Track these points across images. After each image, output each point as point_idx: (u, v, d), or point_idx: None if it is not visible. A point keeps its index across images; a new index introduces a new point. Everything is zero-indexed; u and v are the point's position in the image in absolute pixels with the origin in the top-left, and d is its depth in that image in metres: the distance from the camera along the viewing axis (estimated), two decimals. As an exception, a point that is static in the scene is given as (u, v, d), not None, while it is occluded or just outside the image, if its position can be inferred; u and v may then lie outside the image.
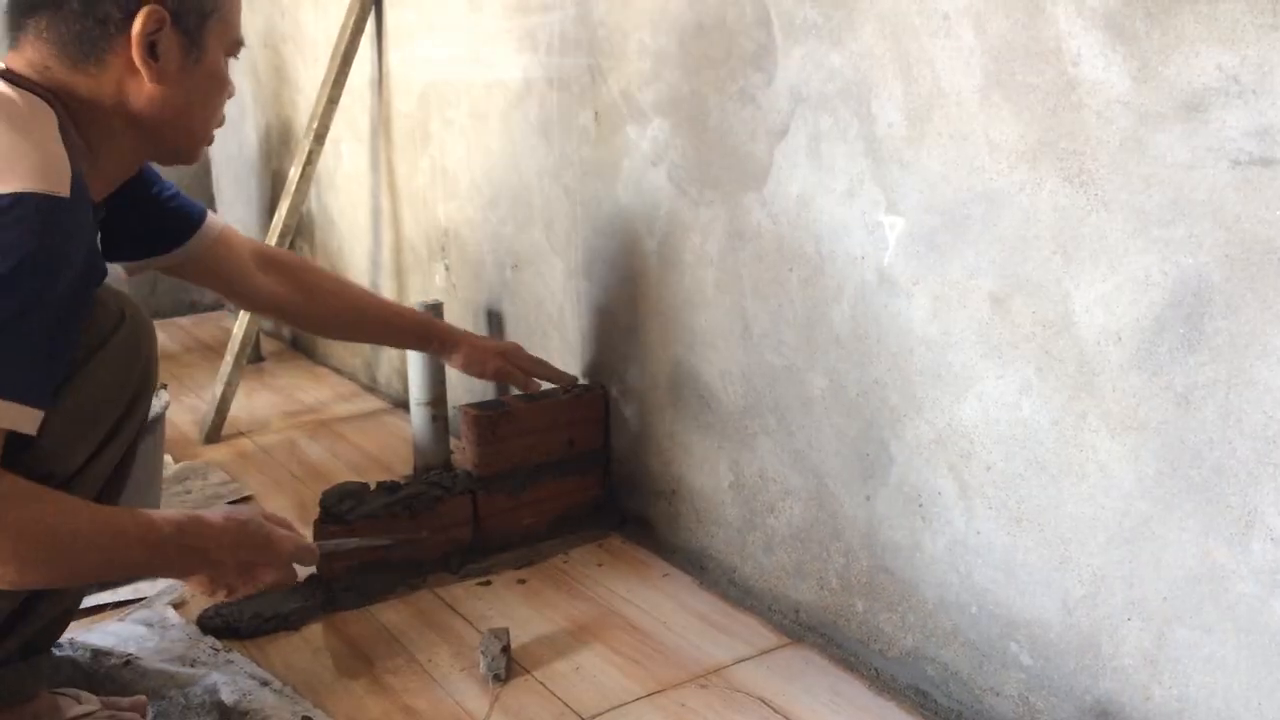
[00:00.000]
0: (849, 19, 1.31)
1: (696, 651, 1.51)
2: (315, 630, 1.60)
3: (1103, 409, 1.12)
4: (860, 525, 1.43)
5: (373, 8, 2.40)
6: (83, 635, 1.51)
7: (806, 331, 1.46)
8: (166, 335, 3.35)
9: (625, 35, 1.68)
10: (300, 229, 2.96)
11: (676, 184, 1.63)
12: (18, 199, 0.97)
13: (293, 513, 2.01)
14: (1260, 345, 0.99)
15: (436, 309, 2.10)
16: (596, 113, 1.78)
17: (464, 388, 2.31)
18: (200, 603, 1.65)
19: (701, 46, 1.54)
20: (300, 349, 3.18)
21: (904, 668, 1.40)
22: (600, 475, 1.90)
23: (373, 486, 1.74)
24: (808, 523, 1.52)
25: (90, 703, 1.29)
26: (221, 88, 1.22)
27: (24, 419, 0.98)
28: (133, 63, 1.12)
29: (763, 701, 1.39)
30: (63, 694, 1.29)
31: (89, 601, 1.59)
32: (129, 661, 1.44)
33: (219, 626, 1.57)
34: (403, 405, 2.57)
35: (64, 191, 1.00)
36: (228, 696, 1.37)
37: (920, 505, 1.34)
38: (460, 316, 2.29)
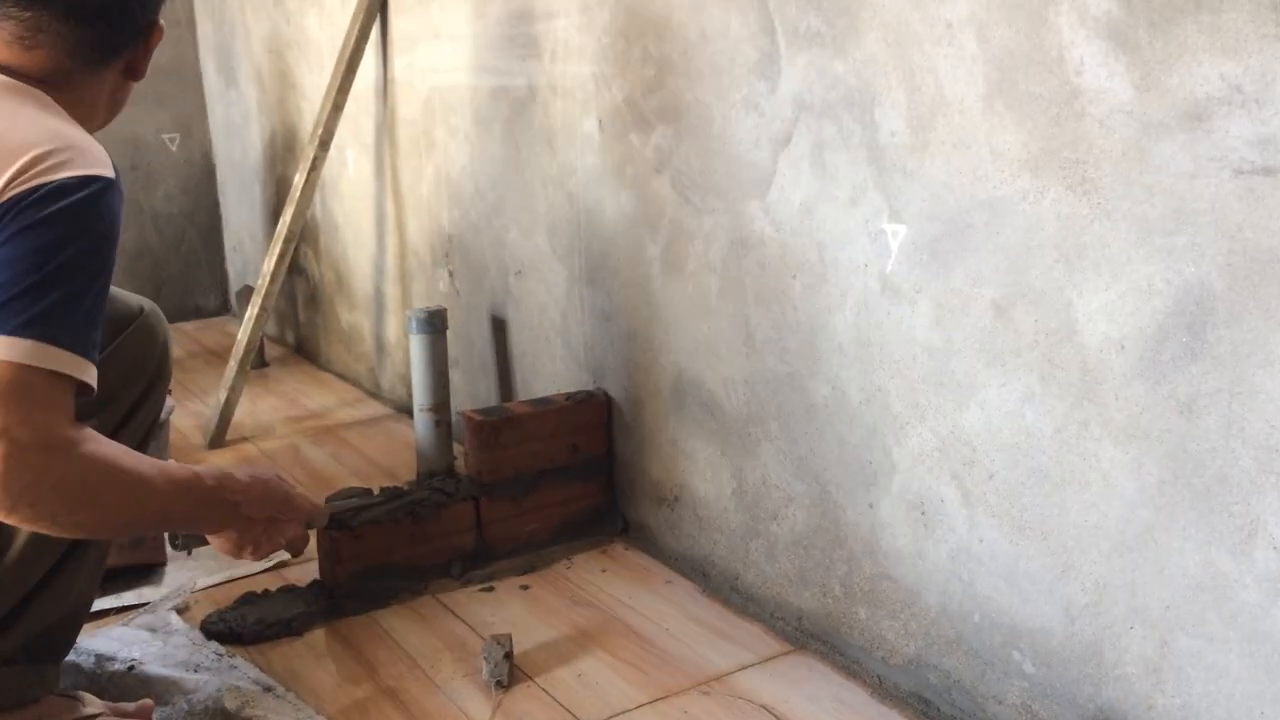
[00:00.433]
0: (852, 27, 1.32)
1: (699, 658, 1.51)
2: (318, 636, 1.60)
3: (1105, 417, 1.12)
4: (863, 532, 1.43)
5: (378, 15, 2.41)
6: (87, 640, 1.51)
7: (809, 339, 1.46)
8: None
9: (629, 43, 1.69)
10: (305, 235, 2.97)
11: (680, 191, 1.64)
12: (99, 183, 1.07)
13: (296, 518, 2.02)
14: (1263, 354, 0.99)
15: (440, 315, 2.11)
16: (600, 120, 1.79)
17: (467, 394, 2.31)
18: (203, 608, 1.65)
19: (705, 54, 1.54)
20: (304, 355, 3.18)
21: (906, 675, 1.40)
22: (603, 482, 1.90)
23: (376, 492, 1.74)
24: (810, 530, 1.52)
25: (94, 706, 1.29)
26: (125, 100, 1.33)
27: (92, 374, 1.05)
28: (129, 64, 1.24)
29: (765, 709, 1.39)
30: (68, 697, 1.30)
31: (92, 606, 1.59)
32: (133, 667, 1.44)
33: (222, 632, 1.57)
34: (406, 411, 2.57)
35: (113, 175, 1.10)
36: (231, 702, 1.37)
37: (923, 513, 1.34)
38: (464, 322, 2.29)
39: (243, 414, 2.56)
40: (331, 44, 2.60)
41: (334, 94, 2.42)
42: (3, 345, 0.99)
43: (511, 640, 1.50)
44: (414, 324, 2.09)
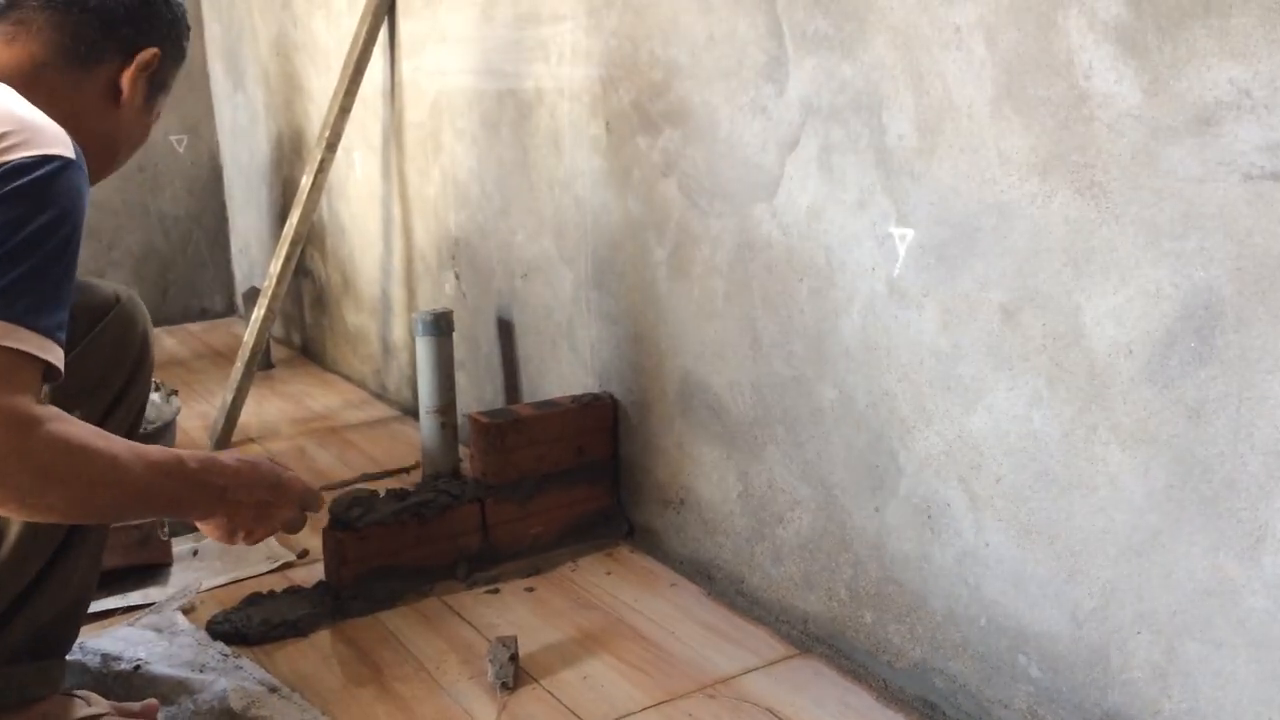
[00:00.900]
0: (860, 30, 1.32)
1: (704, 661, 1.51)
2: (324, 637, 1.60)
3: (1113, 422, 1.12)
4: (869, 536, 1.43)
5: (385, 18, 2.41)
6: (92, 640, 1.51)
7: (816, 342, 1.46)
8: (177, 341, 3.36)
9: (636, 46, 1.69)
10: (311, 237, 2.98)
11: (687, 194, 1.64)
12: (60, 161, 1.05)
13: (302, 519, 2.02)
14: (1272, 359, 0.98)
15: (446, 317, 2.11)
16: (607, 123, 1.79)
17: (473, 396, 2.31)
18: (209, 608, 1.65)
19: (713, 57, 1.54)
20: (310, 356, 3.19)
21: (912, 679, 1.40)
22: (609, 484, 1.90)
23: (382, 494, 1.74)
24: (816, 533, 1.51)
25: (100, 705, 1.30)
26: (144, 139, 1.31)
27: (58, 356, 1.02)
28: (113, 83, 1.21)
29: (770, 712, 1.39)
30: (73, 696, 1.30)
31: (98, 606, 1.59)
32: (138, 667, 1.44)
33: (228, 632, 1.57)
34: (412, 413, 2.58)
35: (74, 155, 1.07)
36: (236, 703, 1.37)
37: (929, 517, 1.34)
38: (470, 325, 2.29)
39: (249, 415, 2.56)
40: (339, 47, 2.61)
41: (341, 96, 2.43)
42: (23, 336, 0.98)
43: (517, 642, 1.50)
44: (420, 326, 2.09)
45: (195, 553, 1.85)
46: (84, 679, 1.42)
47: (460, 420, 2.22)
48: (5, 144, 1.03)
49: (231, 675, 1.45)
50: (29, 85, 1.14)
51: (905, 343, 1.33)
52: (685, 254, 1.66)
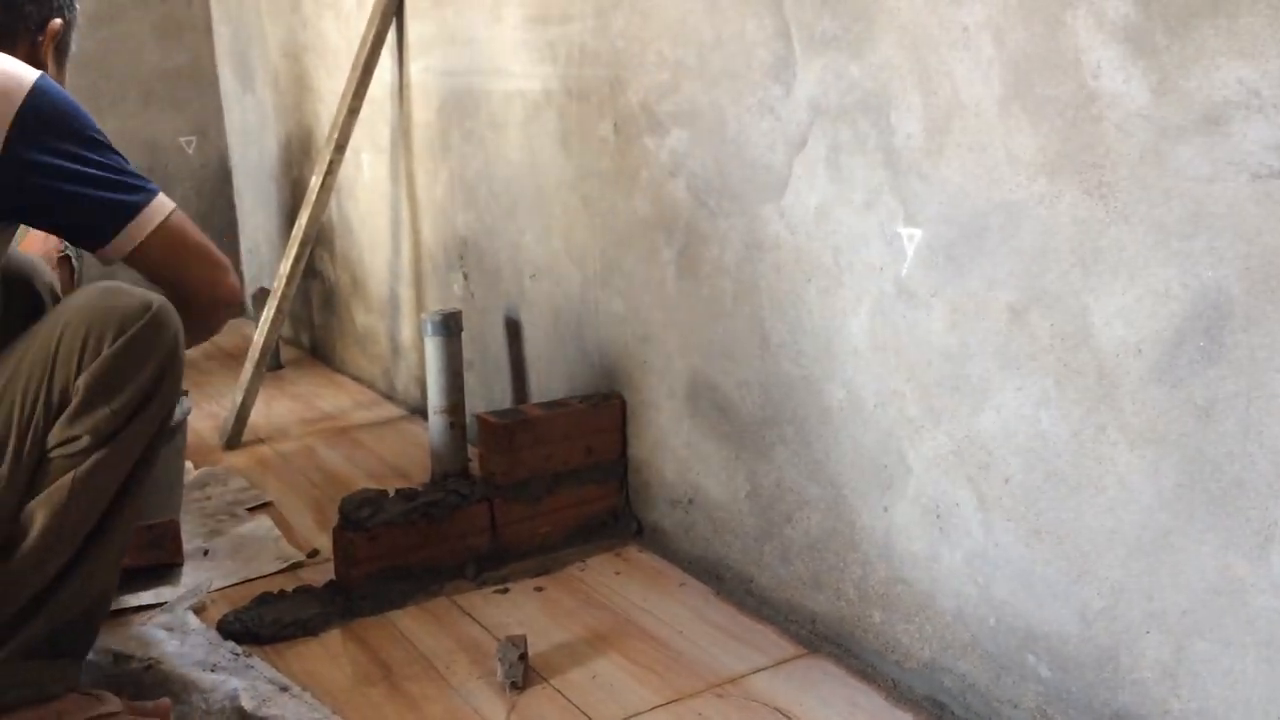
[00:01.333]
0: (869, 31, 1.32)
1: (713, 661, 1.51)
2: (334, 636, 1.61)
3: (1122, 421, 1.12)
4: (878, 536, 1.43)
5: (394, 19, 2.42)
6: (106, 639, 1.52)
7: (824, 342, 1.46)
8: (187, 342, 3.37)
9: (644, 47, 1.69)
10: (320, 238, 2.98)
11: (695, 195, 1.64)
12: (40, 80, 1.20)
13: (311, 518, 2.03)
14: (1281, 358, 0.98)
15: (454, 317, 2.11)
16: (615, 123, 1.79)
17: (482, 396, 2.32)
18: (220, 608, 1.66)
19: (720, 58, 1.55)
20: (319, 357, 3.20)
21: (921, 679, 1.40)
22: (617, 484, 1.91)
23: (391, 494, 1.75)
24: (825, 533, 1.52)
25: (113, 704, 1.30)
26: None
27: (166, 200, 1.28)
28: (29, 57, 1.31)
29: (779, 712, 1.39)
30: (87, 694, 1.31)
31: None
32: (151, 666, 1.45)
33: (239, 632, 1.58)
34: (420, 413, 2.58)
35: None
36: (248, 702, 1.38)
37: (938, 516, 1.34)
38: (479, 325, 2.30)
39: (258, 415, 2.57)
40: (348, 48, 2.61)
41: (350, 98, 2.44)
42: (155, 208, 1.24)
43: (526, 642, 1.50)
44: (429, 326, 2.10)
45: (206, 553, 1.86)
46: (97, 677, 1.43)
47: (469, 420, 2.23)
48: None
49: (243, 674, 1.46)
50: None
51: (913, 342, 1.34)
52: (693, 254, 1.67)
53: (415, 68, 2.40)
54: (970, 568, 1.31)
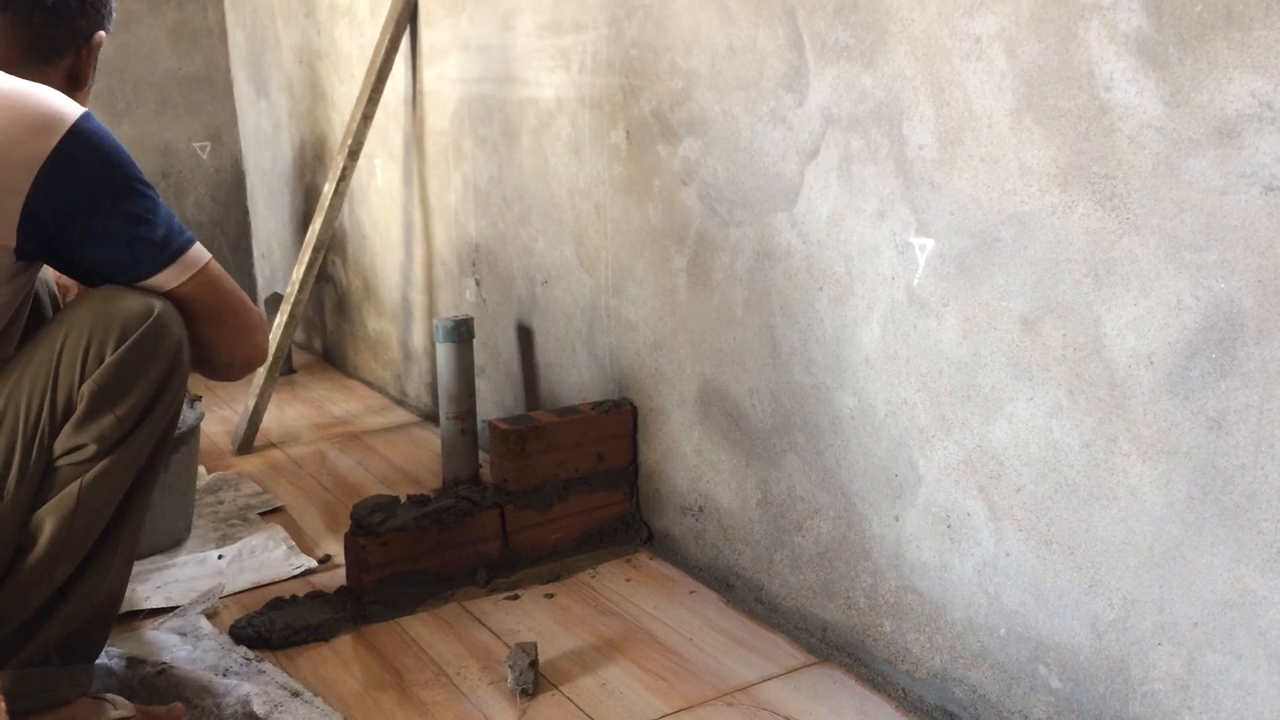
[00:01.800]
0: (881, 41, 1.32)
1: (723, 669, 1.52)
2: (345, 642, 1.62)
3: (1134, 432, 1.12)
4: (888, 545, 1.43)
5: (408, 26, 2.43)
6: (117, 643, 1.53)
7: (835, 351, 1.46)
8: (200, 346, 3.39)
9: (657, 55, 1.70)
10: (333, 243, 3.00)
11: (707, 203, 1.65)
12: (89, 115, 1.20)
13: (322, 523, 2.04)
14: (1293, 371, 0.98)
15: (466, 323, 2.12)
16: (628, 131, 1.80)
17: (493, 402, 2.32)
18: (232, 613, 1.67)
19: (733, 67, 1.55)
20: (331, 362, 3.21)
21: (932, 689, 1.40)
22: (628, 491, 1.91)
23: (402, 500, 1.75)
24: (835, 542, 1.52)
25: (126, 709, 1.31)
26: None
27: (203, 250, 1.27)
28: (71, 70, 1.32)
29: (789, 720, 1.39)
30: (100, 699, 1.31)
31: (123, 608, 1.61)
32: (163, 670, 1.46)
33: (251, 637, 1.59)
34: (432, 418, 2.59)
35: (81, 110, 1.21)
36: (260, 707, 1.38)
37: (949, 526, 1.34)
38: (490, 331, 2.30)
39: (270, 420, 2.59)
40: (361, 55, 2.63)
41: (363, 104, 2.45)
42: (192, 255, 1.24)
43: (537, 648, 1.50)
44: (441, 332, 2.11)
45: (220, 557, 1.87)
46: (110, 682, 1.44)
47: (480, 426, 2.23)
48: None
49: (255, 679, 1.46)
50: None
51: (925, 352, 1.34)
52: (705, 262, 1.67)
53: (429, 75, 2.41)
54: (981, 577, 1.31)
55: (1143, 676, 1.15)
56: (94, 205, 1.17)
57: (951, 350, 1.30)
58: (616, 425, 1.88)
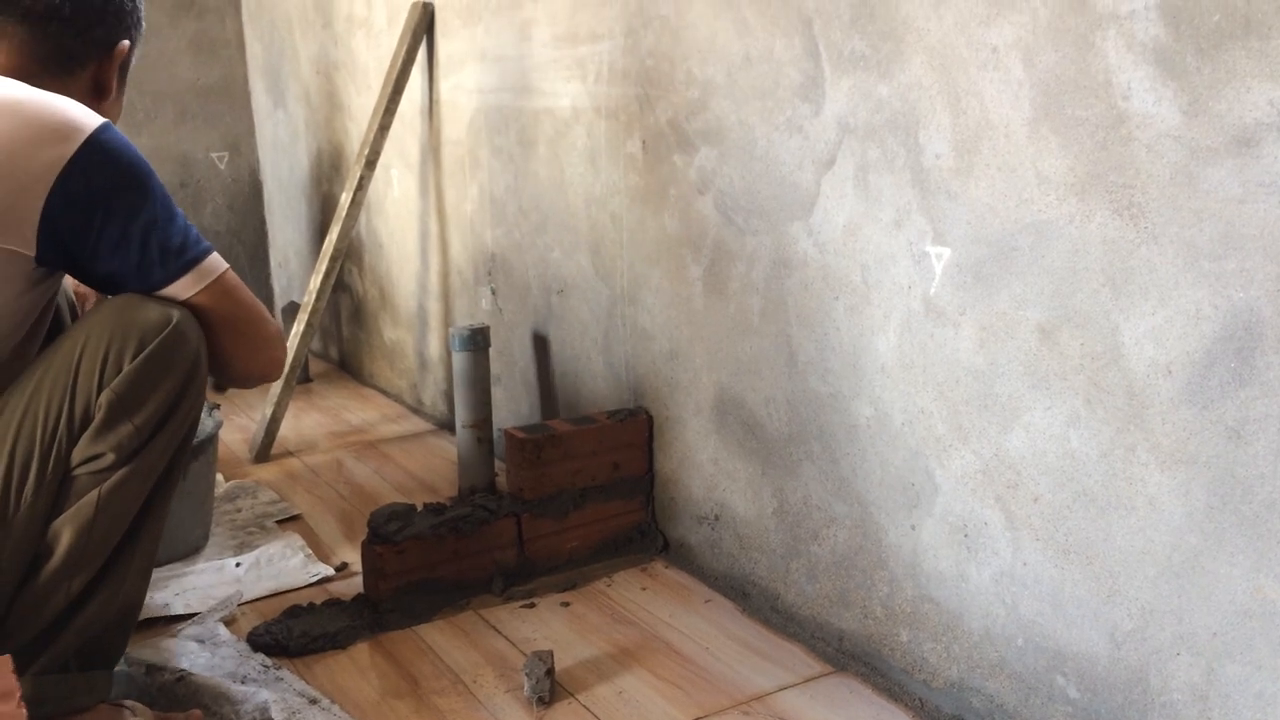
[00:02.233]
0: (898, 50, 1.32)
1: (739, 678, 1.51)
2: (362, 650, 1.62)
3: (1152, 442, 1.12)
4: (905, 554, 1.43)
5: (424, 37, 2.45)
6: (136, 650, 1.54)
7: (852, 360, 1.46)
8: (217, 355, 3.41)
9: (673, 65, 1.70)
10: (350, 252, 3.01)
11: (723, 212, 1.65)
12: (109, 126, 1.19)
13: (339, 531, 2.04)
14: (1313, 380, 0.98)
15: (482, 332, 2.13)
16: (644, 141, 1.80)
17: (509, 411, 2.33)
18: (250, 620, 1.68)
19: (749, 77, 1.56)
20: (348, 370, 3.22)
21: (949, 699, 1.39)
22: (644, 500, 1.91)
23: (419, 508, 1.76)
24: (852, 551, 1.52)
25: (144, 716, 1.32)
26: (118, 118, 1.38)
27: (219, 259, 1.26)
28: (94, 80, 1.30)
29: (806, 730, 1.39)
30: (119, 706, 1.32)
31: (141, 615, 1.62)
32: (182, 677, 1.47)
33: (269, 644, 1.60)
34: (448, 427, 2.60)
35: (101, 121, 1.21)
36: (278, 714, 1.39)
37: (966, 535, 1.34)
38: (506, 340, 2.31)
39: (287, 429, 2.60)
40: (378, 65, 2.64)
41: (380, 114, 2.46)
42: (210, 263, 1.24)
43: (553, 657, 1.51)
44: (457, 341, 2.11)
45: (238, 564, 1.88)
46: (129, 689, 1.45)
47: (496, 435, 2.24)
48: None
49: (273, 686, 1.47)
50: None
51: (942, 361, 1.34)
52: (721, 271, 1.67)
53: (445, 85, 2.42)
54: (998, 587, 1.31)
55: (1161, 687, 1.14)
56: (110, 214, 1.17)
57: (968, 359, 1.30)
58: (632, 434, 1.88)
